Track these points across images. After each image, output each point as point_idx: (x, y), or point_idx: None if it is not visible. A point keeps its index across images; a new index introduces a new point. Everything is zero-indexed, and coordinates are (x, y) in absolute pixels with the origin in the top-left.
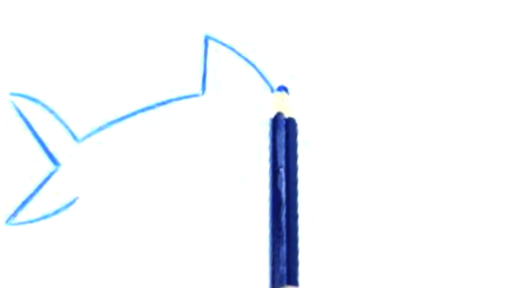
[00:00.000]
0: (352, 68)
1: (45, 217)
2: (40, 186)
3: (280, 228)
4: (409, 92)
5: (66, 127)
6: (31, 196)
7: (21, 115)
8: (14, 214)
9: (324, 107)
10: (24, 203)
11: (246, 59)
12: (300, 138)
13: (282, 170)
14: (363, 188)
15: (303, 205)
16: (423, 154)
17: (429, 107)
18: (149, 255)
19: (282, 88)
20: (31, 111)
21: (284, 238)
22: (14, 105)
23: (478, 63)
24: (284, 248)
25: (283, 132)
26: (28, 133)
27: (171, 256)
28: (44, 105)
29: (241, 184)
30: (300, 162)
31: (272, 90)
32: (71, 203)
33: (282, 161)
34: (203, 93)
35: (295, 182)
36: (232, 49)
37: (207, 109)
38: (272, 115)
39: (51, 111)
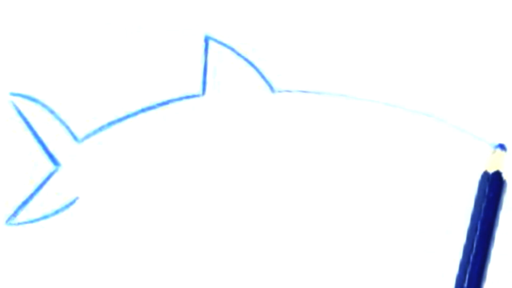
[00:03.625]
0: (352, 68)
1: (45, 217)
2: (40, 186)
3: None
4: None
5: (66, 127)
6: (31, 196)
7: (21, 115)
8: (14, 214)
9: (323, 107)
10: (24, 203)
11: (246, 59)
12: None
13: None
14: None
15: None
16: None
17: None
18: (149, 255)
19: (501, 147)
20: (31, 111)
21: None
22: (14, 105)
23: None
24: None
25: (495, 192)
26: (28, 133)
27: (171, 257)
28: (44, 105)
29: (241, 184)
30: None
31: (273, 90)
32: (71, 203)
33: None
34: (203, 93)
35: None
36: (232, 49)
37: (207, 109)
38: (490, 171)
39: (51, 111)
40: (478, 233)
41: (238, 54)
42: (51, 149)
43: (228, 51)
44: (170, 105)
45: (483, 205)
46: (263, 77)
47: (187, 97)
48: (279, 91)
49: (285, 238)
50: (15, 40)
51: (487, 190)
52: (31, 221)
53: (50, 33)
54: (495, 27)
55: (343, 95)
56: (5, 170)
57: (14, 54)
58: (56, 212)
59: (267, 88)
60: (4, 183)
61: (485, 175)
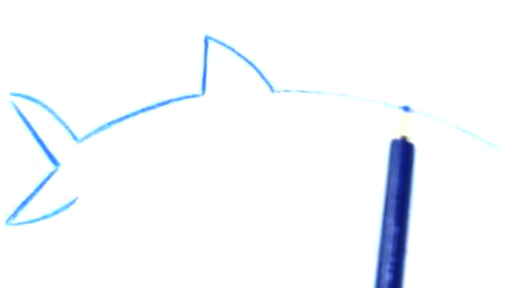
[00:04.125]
0: (352, 68)
1: (45, 217)
2: (40, 186)
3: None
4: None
5: (66, 127)
6: (31, 196)
7: (21, 115)
8: (14, 214)
9: (323, 107)
10: (24, 203)
11: (246, 59)
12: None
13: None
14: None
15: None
16: None
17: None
18: (149, 255)
19: (406, 109)
20: (31, 111)
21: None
22: (14, 105)
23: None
24: (390, 276)
25: (404, 159)
26: (28, 133)
27: (171, 257)
28: (44, 105)
29: (241, 184)
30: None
31: (273, 90)
32: (71, 203)
33: (398, 189)
34: (203, 93)
35: (408, 212)
36: (232, 49)
37: (207, 109)
38: (397, 137)
39: (51, 111)
40: (395, 203)
41: (238, 54)
42: (51, 149)
43: (228, 51)
44: (170, 105)
45: (396, 174)
46: (263, 77)
47: (187, 97)
48: (279, 91)
49: (285, 238)
50: (15, 40)
51: (396, 158)
52: (31, 221)
53: (50, 33)
54: (495, 27)
55: (343, 95)
56: (5, 170)
57: (14, 54)
58: (56, 212)
59: (267, 88)
60: (4, 183)
61: (394, 143)
